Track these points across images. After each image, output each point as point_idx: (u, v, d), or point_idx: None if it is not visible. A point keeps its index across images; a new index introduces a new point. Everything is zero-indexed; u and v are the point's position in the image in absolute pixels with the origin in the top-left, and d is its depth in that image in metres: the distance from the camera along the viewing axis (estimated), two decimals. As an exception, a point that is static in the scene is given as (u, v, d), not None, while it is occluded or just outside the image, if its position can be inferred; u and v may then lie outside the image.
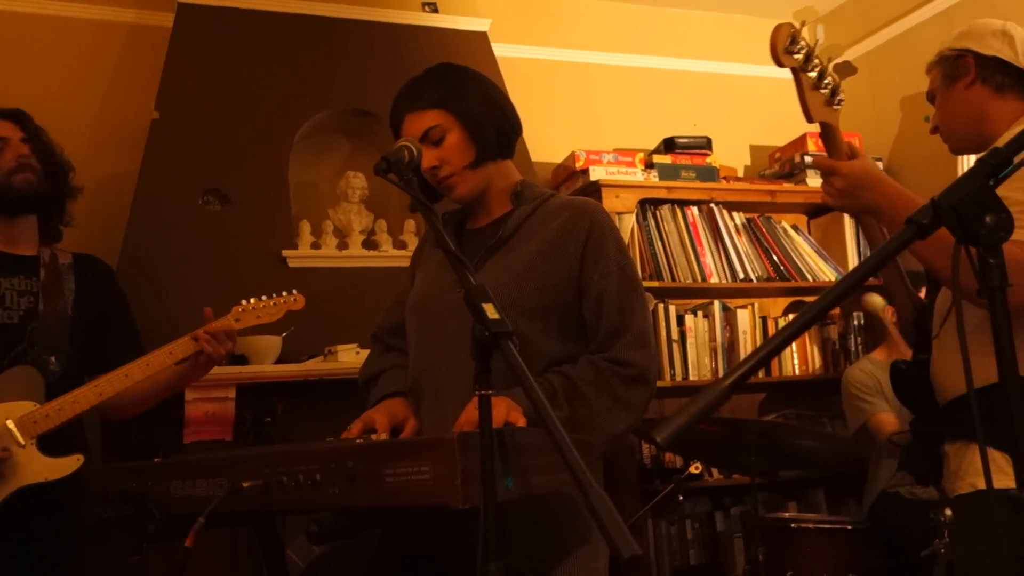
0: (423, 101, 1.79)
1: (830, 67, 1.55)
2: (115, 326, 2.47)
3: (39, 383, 2.23)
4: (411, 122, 1.79)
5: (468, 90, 1.81)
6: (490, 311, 1.24)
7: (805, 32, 1.50)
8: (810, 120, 1.57)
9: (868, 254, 4.28)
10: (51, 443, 2.19)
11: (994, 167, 0.91)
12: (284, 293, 2.42)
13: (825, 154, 1.67)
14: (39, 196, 2.36)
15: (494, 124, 1.81)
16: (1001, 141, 1.74)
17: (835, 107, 1.59)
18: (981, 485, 1.62)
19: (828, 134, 1.62)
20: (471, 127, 1.78)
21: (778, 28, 1.47)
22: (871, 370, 3.71)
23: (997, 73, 1.78)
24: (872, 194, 1.60)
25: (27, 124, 2.41)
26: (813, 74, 1.53)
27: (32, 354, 2.27)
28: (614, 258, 1.74)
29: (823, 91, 1.56)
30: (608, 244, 1.75)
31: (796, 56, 1.50)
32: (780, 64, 1.49)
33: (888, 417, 3.53)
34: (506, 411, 1.51)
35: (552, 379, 1.65)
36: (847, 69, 1.57)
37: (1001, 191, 0.92)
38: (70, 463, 2.18)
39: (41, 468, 2.16)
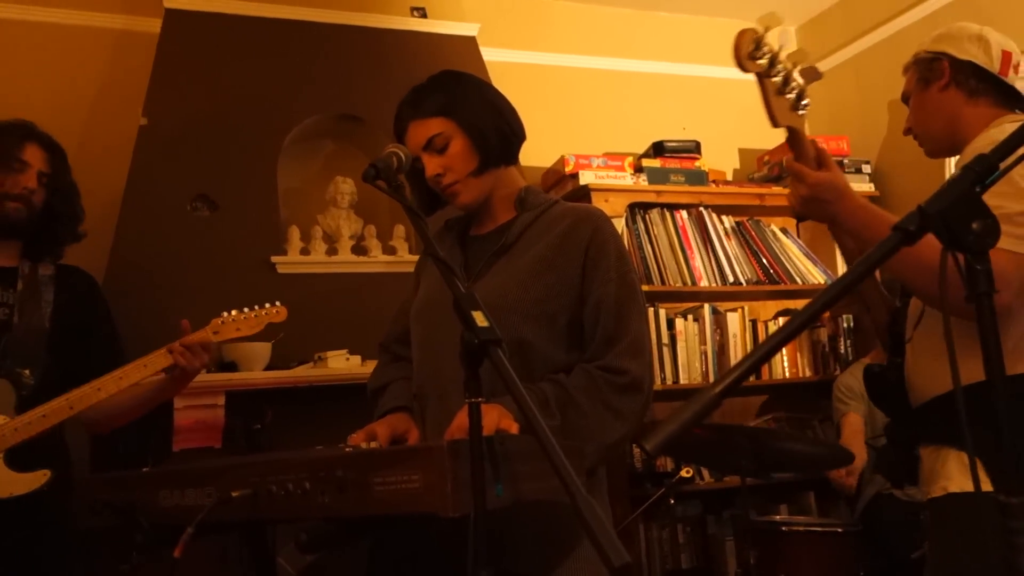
0: (426, 109, 1.78)
1: (795, 72, 1.55)
2: (96, 338, 2.43)
3: (10, 396, 2.19)
4: (415, 130, 1.79)
5: (471, 97, 1.80)
6: (479, 319, 1.24)
7: (769, 37, 1.49)
8: (775, 125, 1.57)
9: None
10: (23, 457, 2.14)
11: (979, 173, 0.92)
12: (267, 305, 2.37)
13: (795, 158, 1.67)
14: (22, 229, 2.35)
15: (497, 131, 1.80)
16: (971, 148, 1.74)
17: (800, 112, 1.59)
18: (952, 488, 1.63)
19: (794, 139, 1.62)
20: (474, 134, 1.77)
21: (741, 33, 1.47)
22: (858, 377, 3.74)
23: (971, 78, 1.80)
24: (833, 207, 1.62)
25: (56, 160, 2.40)
26: (777, 79, 1.52)
27: (5, 367, 2.22)
28: (614, 265, 1.74)
29: (788, 96, 1.55)
30: (609, 251, 1.75)
31: (760, 61, 1.49)
32: (744, 69, 1.49)
33: (852, 419, 3.63)
34: (497, 418, 1.51)
35: (544, 387, 1.64)
36: (812, 74, 1.57)
37: (989, 199, 0.92)
38: (36, 478, 2.13)
39: (6, 483, 2.11)
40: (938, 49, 1.84)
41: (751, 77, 1.52)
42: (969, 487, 1.60)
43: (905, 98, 1.92)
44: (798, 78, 1.56)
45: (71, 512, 2.19)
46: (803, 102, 1.57)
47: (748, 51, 1.46)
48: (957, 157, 1.88)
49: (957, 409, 0.92)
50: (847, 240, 1.79)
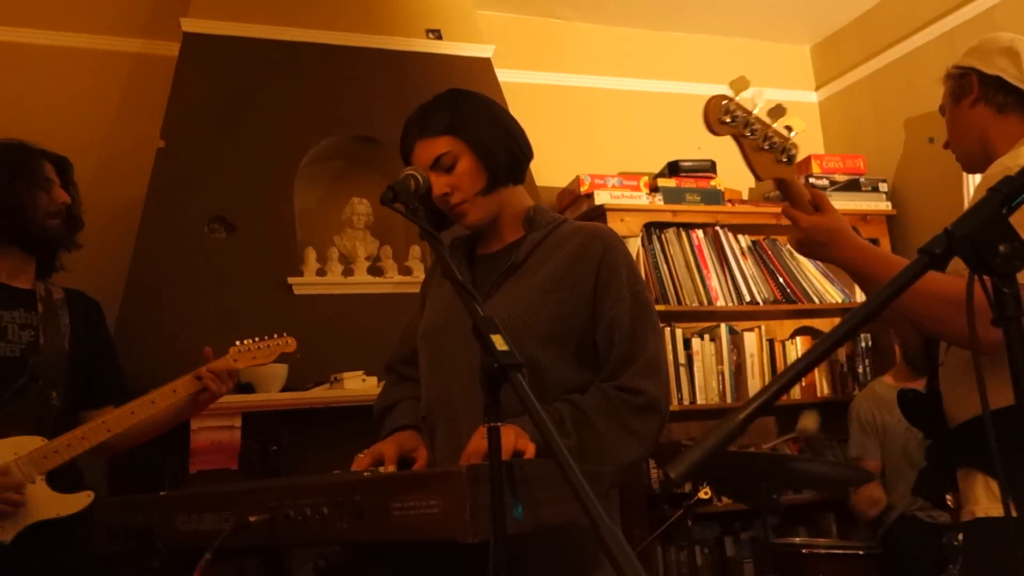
0: (433, 128, 1.77)
1: (775, 125, 1.57)
2: (104, 361, 2.49)
3: (46, 417, 2.23)
4: (422, 149, 1.77)
5: (478, 116, 1.79)
6: (499, 342, 1.23)
7: (740, 100, 1.52)
8: (758, 179, 1.59)
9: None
10: (56, 479, 2.18)
11: (1006, 195, 0.90)
12: (275, 336, 2.49)
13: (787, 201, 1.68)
14: (57, 244, 2.43)
15: (505, 149, 1.79)
16: (992, 168, 1.73)
17: (786, 162, 1.60)
18: (979, 513, 1.62)
19: (785, 188, 1.63)
20: (482, 153, 1.76)
21: (708, 101, 1.50)
22: (877, 400, 3.69)
23: (999, 93, 1.77)
24: (828, 249, 1.62)
25: (67, 175, 2.48)
26: (754, 137, 1.55)
27: (34, 388, 2.26)
28: (627, 284, 1.72)
29: (768, 150, 1.57)
30: (621, 270, 1.73)
31: (731, 124, 1.51)
32: (715, 134, 1.52)
33: (870, 467, 3.59)
34: (514, 439, 1.49)
35: (560, 407, 1.63)
36: (796, 124, 1.59)
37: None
38: (81, 499, 2.19)
39: (52, 504, 2.15)
40: (967, 64, 1.81)
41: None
42: (995, 512, 1.58)
43: (942, 112, 1.91)
44: (779, 130, 1.58)
45: (87, 535, 2.21)
46: (787, 154, 1.59)
47: (717, 117, 1.49)
48: (976, 174, 1.87)
49: (983, 434, 0.91)
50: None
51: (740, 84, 1.51)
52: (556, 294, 1.71)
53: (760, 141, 1.55)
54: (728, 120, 1.50)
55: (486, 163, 1.76)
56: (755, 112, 1.55)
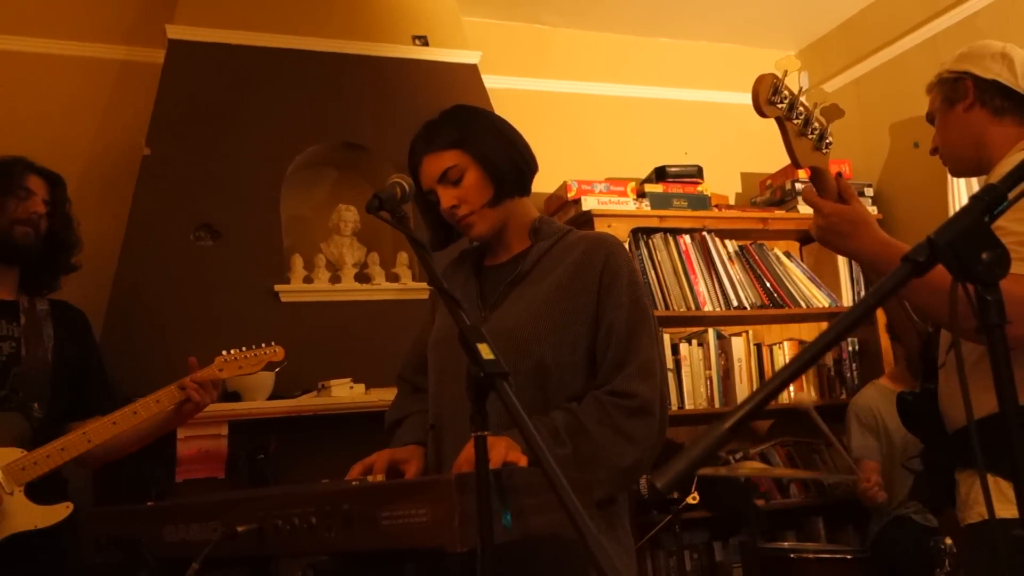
0: (440, 142, 1.81)
1: (816, 112, 1.55)
2: (91, 373, 2.47)
3: (25, 429, 2.21)
4: (429, 164, 1.81)
5: (484, 130, 1.83)
6: (485, 351, 1.23)
7: (788, 81, 1.49)
8: (797, 167, 1.57)
9: (862, 280, 4.28)
10: (36, 490, 2.17)
11: (989, 203, 0.91)
12: (264, 345, 2.47)
13: (813, 187, 1.65)
14: (28, 253, 2.39)
15: (510, 162, 1.83)
16: (998, 169, 1.73)
17: (824, 151, 1.58)
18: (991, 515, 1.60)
19: (818, 177, 1.60)
20: (488, 166, 1.80)
21: (759, 79, 1.46)
22: (874, 402, 3.69)
23: (996, 97, 1.77)
24: (849, 241, 1.59)
25: (57, 191, 2.47)
26: (798, 121, 1.52)
27: (16, 400, 2.25)
28: (626, 290, 1.74)
29: (810, 137, 1.55)
30: (622, 276, 1.75)
31: (779, 106, 1.49)
32: (763, 115, 1.47)
33: (870, 466, 3.57)
34: (505, 451, 1.50)
35: (555, 416, 1.64)
36: (834, 112, 1.57)
37: (998, 220, 0.91)
38: (59, 510, 2.17)
39: (31, 516, 2.13)
40: (961, 68, 1.82)
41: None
42: (1006, 513, 1.57)
43: (930, 118, 1.90)
44: (820, 117, 1.55)
45: (71, 546, 2.20)
46: (825, 141, 1.56)
47: (766, 97, 1.45)
48: (959, 179, 1.87)
49: (987, 436, 0.91)
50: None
51: (788, 64, 1.47)
52: (562, 302, 1.74)
53: (803, 126, 1.52)
54: (777, 101, 1.48)
55: (492, 175, 1.80)
56: (800, 95, 1.51)
